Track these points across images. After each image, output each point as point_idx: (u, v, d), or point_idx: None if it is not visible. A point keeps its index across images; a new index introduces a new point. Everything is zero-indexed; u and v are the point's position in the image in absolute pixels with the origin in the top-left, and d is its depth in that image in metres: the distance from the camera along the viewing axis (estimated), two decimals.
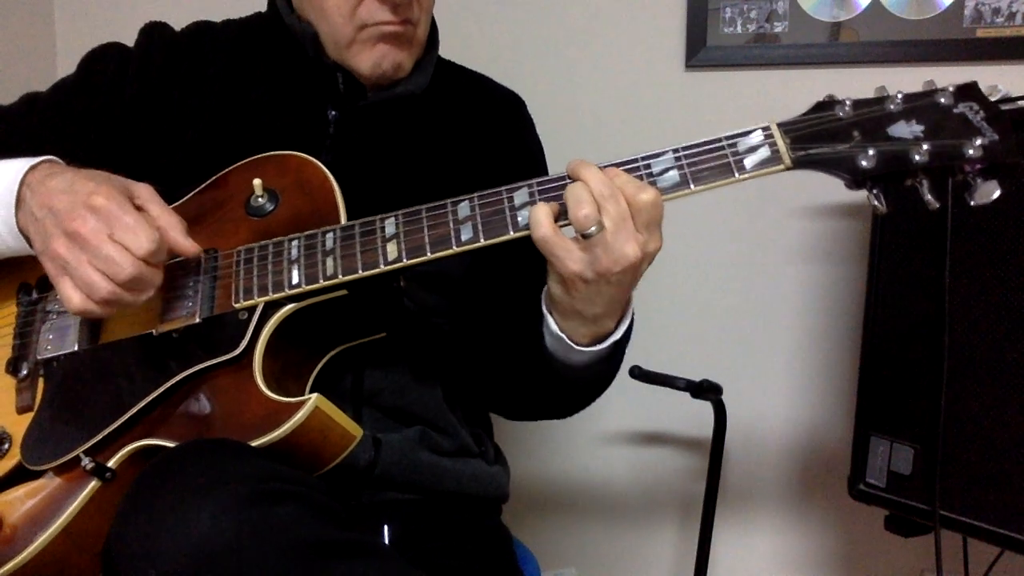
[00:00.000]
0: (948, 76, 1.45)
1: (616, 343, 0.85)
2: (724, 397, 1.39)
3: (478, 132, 1.07)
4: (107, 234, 0.76)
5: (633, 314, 0.85)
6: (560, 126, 1.53)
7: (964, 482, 1.08)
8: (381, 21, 0.92)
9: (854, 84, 1.47)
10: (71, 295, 0.77)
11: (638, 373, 1.38)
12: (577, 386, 0.94)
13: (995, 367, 1.06)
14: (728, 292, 1.56)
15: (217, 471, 0.67)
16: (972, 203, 0.71)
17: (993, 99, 1.07)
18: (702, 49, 1.49)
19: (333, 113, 0.99)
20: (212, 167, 0.94)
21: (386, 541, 0.93)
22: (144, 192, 0.82)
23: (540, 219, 0.75)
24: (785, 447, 1.59)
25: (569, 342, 0.84)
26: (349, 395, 0.93)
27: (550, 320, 0.84)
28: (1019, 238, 1.02)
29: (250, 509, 0.64)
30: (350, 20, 0.92)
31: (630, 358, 0.95)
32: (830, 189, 1.49)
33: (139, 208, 0.80)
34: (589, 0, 1.54)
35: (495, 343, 0.98)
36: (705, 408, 1.40)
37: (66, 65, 1.05)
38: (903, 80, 1.44)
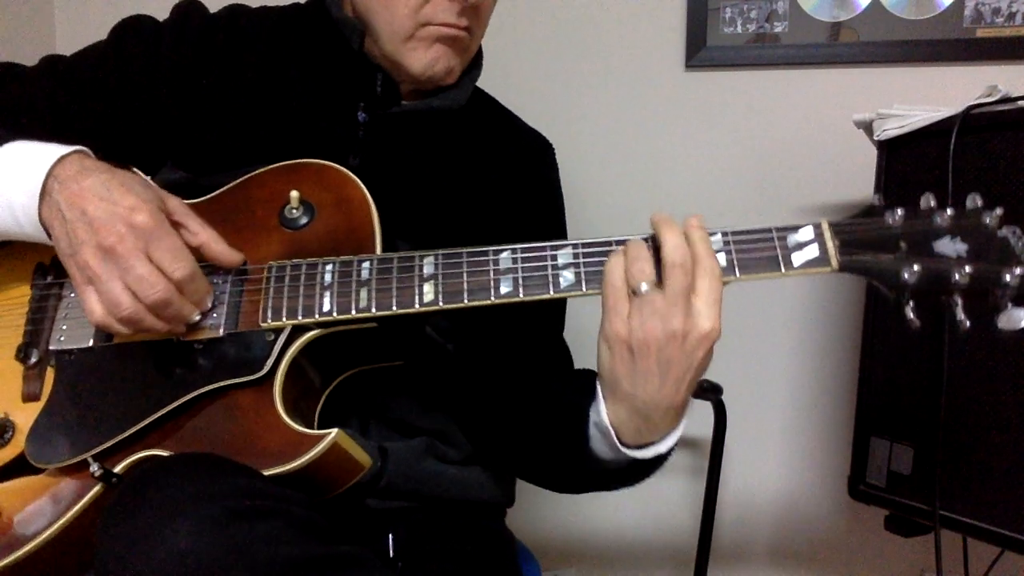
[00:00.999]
0: (948, 76, 1.46)
1: (659, 455, 0.80)
2: (724, 397, 1.38)
3: (506, 166, 1.05)
4: (144, 253, 0.75)
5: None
6: (560, 127, 1.52)
7: (964, 482, 1.08)
8: (445, 22, 0.91)
9: (854, 84, 1.49)
10: (94, 307, 0.76)
11: None
12: (601, 478, 0.87)
13: (995, 367, 1.06)
14: (728, 292, 1.55)
15: (196, 488, 0.65)
16: (999, 327, 0.71)
17: (993, 99, 1.07)
18: (702, 49, 1.49)
19: (362, 116, 0.97)
20: (244, 152, 0.92)
21: (390, 548, 0.92)
22: (178, 207, 0.81)
23: (613, 268, 0.74)
24: (785, 447, 1.59)
25: (615, 437, 0.78)
26: (357, 408, 0.92)
27: (601, 406, 0.79)
28: None
29: (230, 527, 0.63)
30: (414, 15, 0.90)
31: None
32: (831, 188, 1.49)
33: (176, 223, 0.79)
34: (589, 0, 1.54)
35: (524, 416, 0.95)
36: (705, 408, 1.40)
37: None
38: (903, 80, 1.45)
